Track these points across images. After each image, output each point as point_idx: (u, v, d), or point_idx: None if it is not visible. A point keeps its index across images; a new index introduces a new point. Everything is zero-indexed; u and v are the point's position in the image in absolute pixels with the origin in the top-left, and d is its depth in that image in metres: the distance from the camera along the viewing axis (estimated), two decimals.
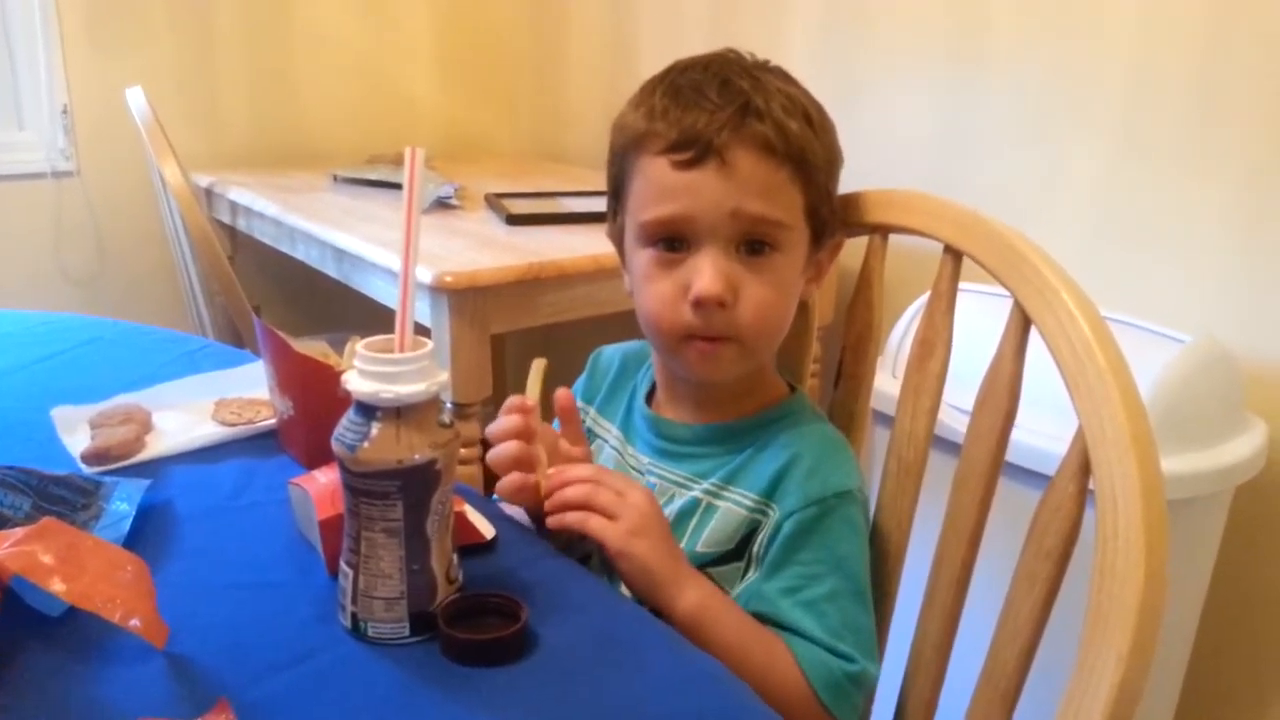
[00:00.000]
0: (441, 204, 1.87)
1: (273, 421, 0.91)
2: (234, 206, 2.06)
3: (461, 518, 0.71)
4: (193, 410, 0.95)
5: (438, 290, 1.42)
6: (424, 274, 1.41)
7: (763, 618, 0.75)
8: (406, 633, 0.62)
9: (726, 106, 0.75)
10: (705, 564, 0.79)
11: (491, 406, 1.00)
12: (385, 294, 1.61)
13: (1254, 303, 1.35)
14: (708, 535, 0.80)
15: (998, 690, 0.75)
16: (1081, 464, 0.70)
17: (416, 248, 0.61)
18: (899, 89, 1.72)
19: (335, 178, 2.09)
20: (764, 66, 0.80)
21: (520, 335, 2.52)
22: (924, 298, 1.45)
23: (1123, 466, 0.66)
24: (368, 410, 0.60)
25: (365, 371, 0.60)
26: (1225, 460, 1.23)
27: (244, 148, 2.35)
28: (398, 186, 1.97)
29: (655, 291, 0.78)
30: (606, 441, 0.91)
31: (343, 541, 0.63)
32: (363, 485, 0.60)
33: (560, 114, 2.55)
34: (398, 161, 2.29)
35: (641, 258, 0.79)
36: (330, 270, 1.74)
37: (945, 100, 1.67)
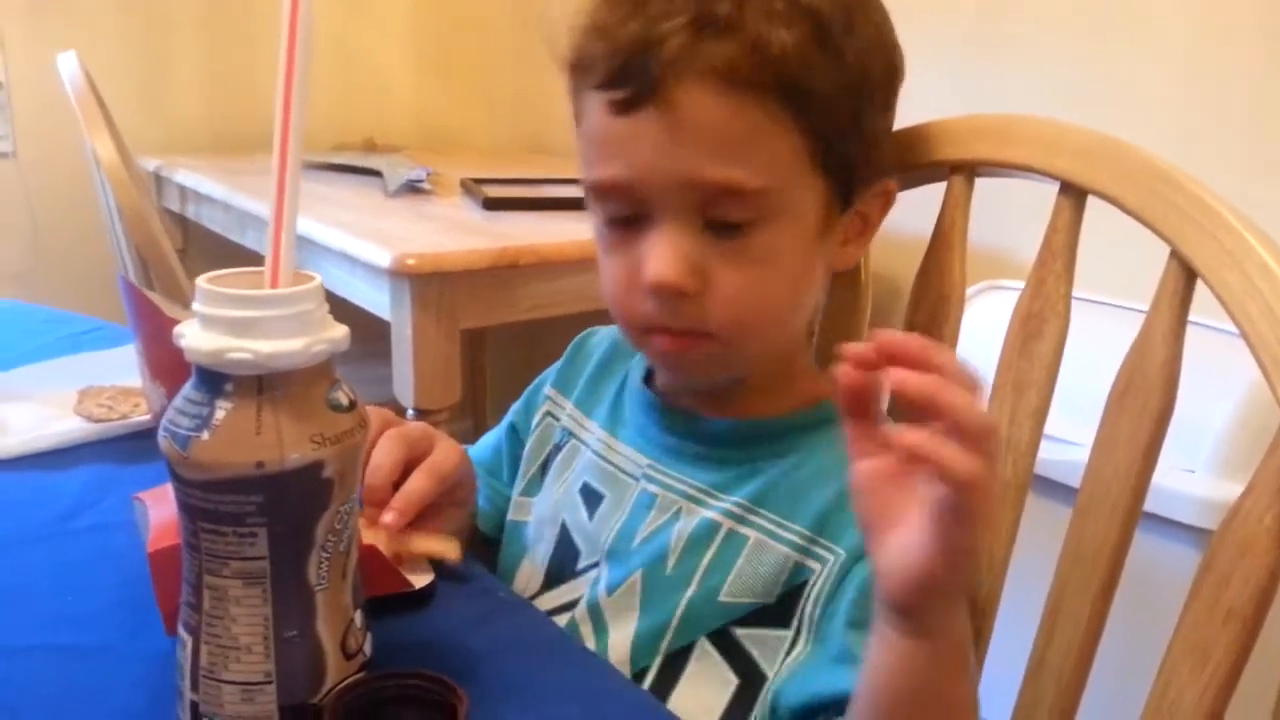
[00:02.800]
0: (412, 188, 1.66)
1: (149, 417, 0.68)
2: (183, 192, 1.86)
3: (373, 554, 0.48)
4: (52, 401, 0.73)
5: (398, 276, 1.21)
6: (382, 257, 1.21)
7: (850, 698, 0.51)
8: None
9: (677, 14, 0.52)
10: (731, 622, 0.56)
11: (468, 422, 0.78)
12: (342, 284, 1.39)
13: None
14: (735, 579, 0.57)
15: None
16: None
17: (301, 124, 0.39)
18: (919, 71, 1.54)
19: None
20: None
21: (501, 334, 2.31)
22: (976, 287, 1.27)
23: None
24: (212, 381, 0.38)
25: (209, 319, 0.38)
26: None
27: (200, 133, 2.17)
28: (364, 171, 1.79)
29: (610, 270, 0.58)
30: (585, 444, 0.68)
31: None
32: (204, 502, 0.38)
33: (542, 106, 2.36)
34: (367, 149, 2.09)
35: (596, 224, 0.59)
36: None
37: (966, 84, 1.50)
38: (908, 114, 0.65)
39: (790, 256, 0.57)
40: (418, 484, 0.57)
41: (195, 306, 0.38)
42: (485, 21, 2.42)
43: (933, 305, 0.67)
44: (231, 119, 2.19)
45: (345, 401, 0.40)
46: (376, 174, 1.73)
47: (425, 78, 2.41)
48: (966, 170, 0.65)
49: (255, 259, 1.42)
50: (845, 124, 0.56)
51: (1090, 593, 0.57)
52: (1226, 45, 1.22)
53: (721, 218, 0.54)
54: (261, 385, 0.37)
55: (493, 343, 2.34)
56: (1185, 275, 0.53)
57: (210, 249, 1.96)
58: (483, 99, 2.48)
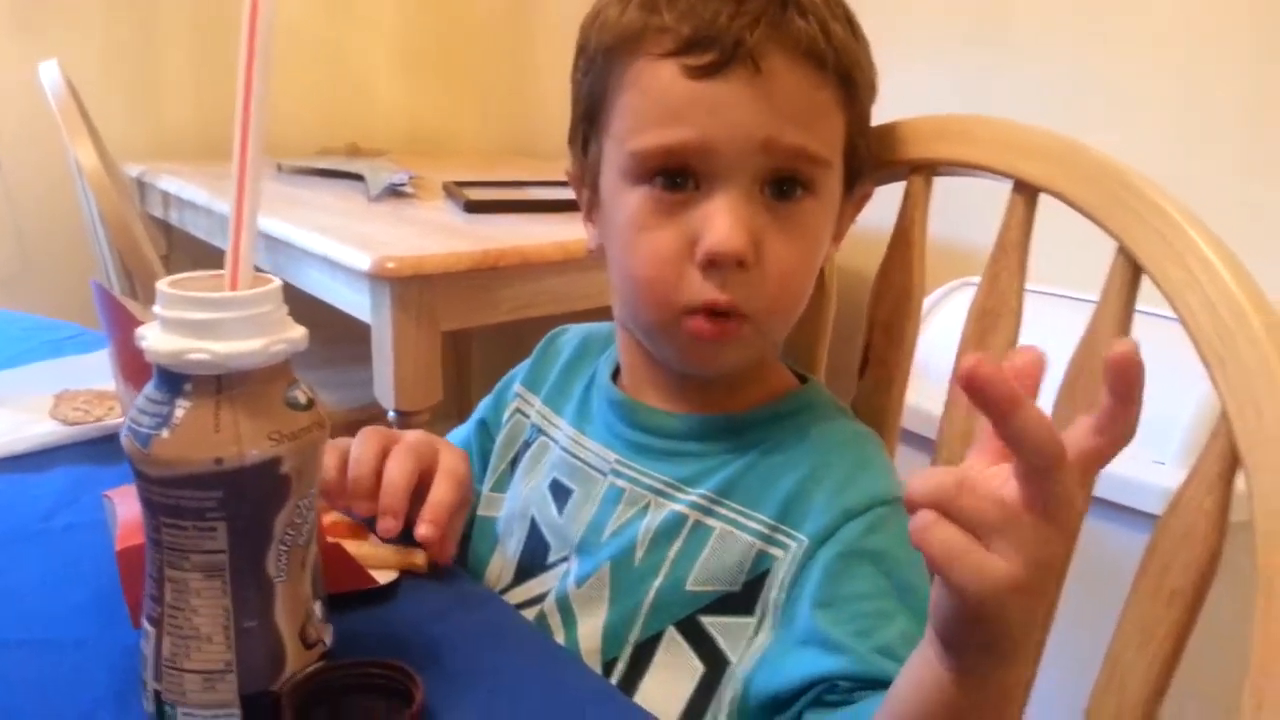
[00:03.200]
0: (394, 191, 1.67)
1: (123, 420, 0.69)
2: (166, 198, 1.86)
3: (337, 552, 0.49)
4: (28, 405, 0.73)
5: (378, 279, 1.22)
6: (362, 260, 1.21)
7: (824, 680, 0.52)
8: None
9: None
10: (699, 610, 0.58)
11: (453, 423, 0.78)
12: (323, 287, 1.39)
13: None
14: (700, 569, 0.58)
15: None
16: (1224, 469, 0.50)
17: (262, 127, 0.40)
18: (918, 71, 1.54)
19: (280, 167, 1.89)
20: None
21: (487, 336, 2.32)
22: (938, 292, 1.28)
23: None
24: (172, 382, 0.39)
25: (170, 322, 0.39)
26: None
27: (186, 139, 2.16)
28: (348, 176, 1.80)
29: (650, 246, 0.57)
30: (554, 441, 0.69)
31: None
32: (165, 498, 0.39)
33: (533, 108, 2.36)
34: (350, 153, 2.10)
35: (630, 200, 0.58)
36: (264, 262, 1.53)
37: (967, 85, 1.50)
38: (908, 113, 0.67)
39: (822, 238, 0.60)
40: (443, 493, 0.58)
41: (156, 309, 0.39)
42: (472, 25, 2.42)
43: (894, 301, 0.69)
44: (217, 125, 2.18)
45: (303, 400, 0.41)
46: (359, 178, 1.74)
47: (411, 81, 2.40)
48: (926, 169, 0.66)
49: None
50: (865, 119, 0.62)
51: None
52: (1222, 44, 1.23)
53: (788, 178, 0.57)
54: (220, 385, 0.39)
55: (478, 343, 2.35)
56: (1131, 269, 0.55)
57: (194, 254, 1.96)
58: (468, 102, 2.47)
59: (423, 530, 0.56)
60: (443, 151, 2.38)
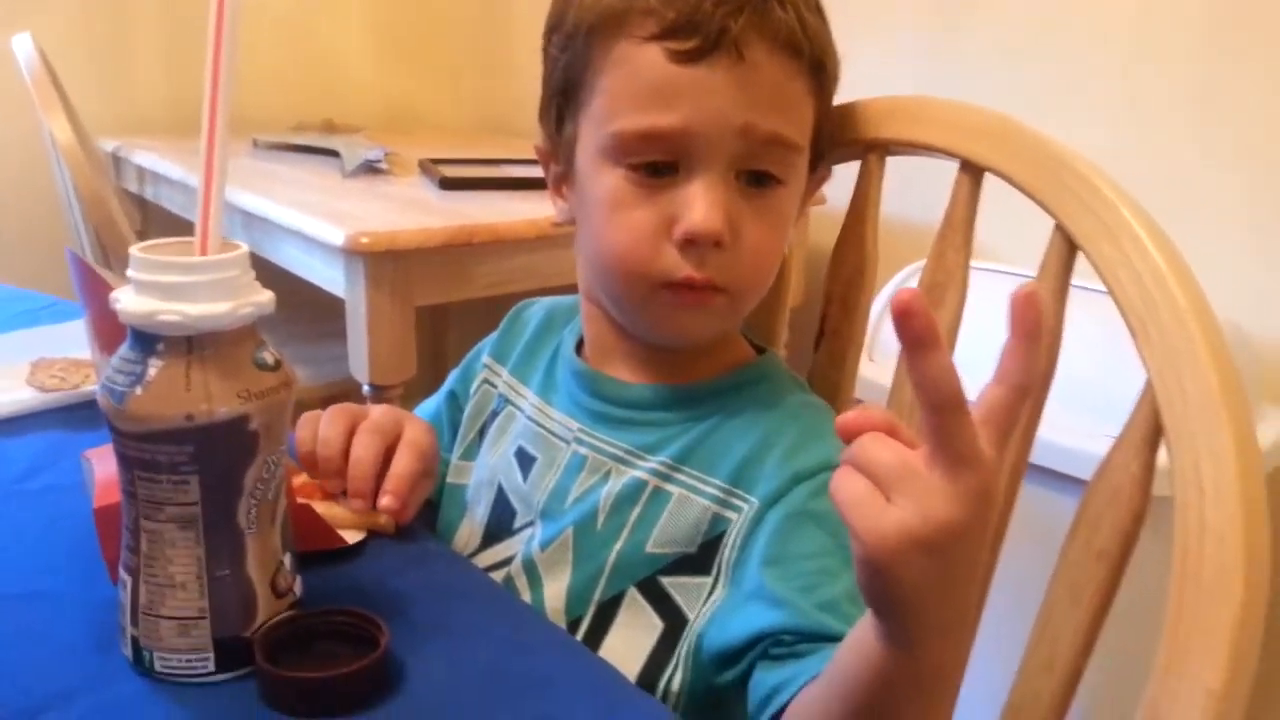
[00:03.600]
0: (370, 168, 1.67)
1: (98, 387, 0.71)
2: (141, 173, 1.86)
3: (307, 513, 0.52)
4: (4, 373, 0.75)
5: (352, 254, 1.24)
6: (336, 236, 1.23)
7: (769, 634, 0.54)
8: (210, 667, 0.43)
9: None
10: (658, 571, 0.60)
11: (430, 396, 0.80)
12: (298, 263, 1.41)
13: (1273, 287, 1.21)
14: (660, 532, 0.61)
15: None
16: (1149, 435, 0.53)
17: (229, 97, 0.42)
18: (876, 53, 1.57)
19: (255, 143, 1.89)
20: None
21: (464, 312, 2.32)
22: (910, 268, 1.31)
23: (1211, 441, 0.49)
24: (145, 342, 0.41)
25: (142, 285, 0.41)
26: None
27: (160, 115, 2.15)
28: (323, 152, 1.80)
29: (628, 224, 0.59)
30: (521, 410, 0.71)
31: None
32: (139, 453, 0.41)
33: (508, 85, 2.36)
34: (326, 129, 2.10)
35: (608, 180, 0.60)
36: (239, 238, 1.52)
37: (927, 67, 1.53)
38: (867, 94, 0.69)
39: (789, 218, 0.63)
40: (405, 465, 0.60)
41: (129, 272, 0.41)
42: (445, 2, 2.42)
43: (849, 275, 0.71)
44: (189, 100, 2.15)
45: (270, 361, 0.43)
46: (334, 154, 1.74)
47: (387, 58, 2.39)
48: (880, 149, 0.69)
49: None
50: (830, 105, 0.64)
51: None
52: (1170, 29, 1.26)
53: (764, 166, 0.59)
54: (191, 345, 0.41)
55: (455, 319, 2.36)
56: (1067, 246, 0.57)
57: (169, 229, 1.95)
58: (445, 79, 2.47)
59: (384, 501, 0.58)
60: (418, 128, 2.38)
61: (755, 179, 0.59)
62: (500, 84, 2.38)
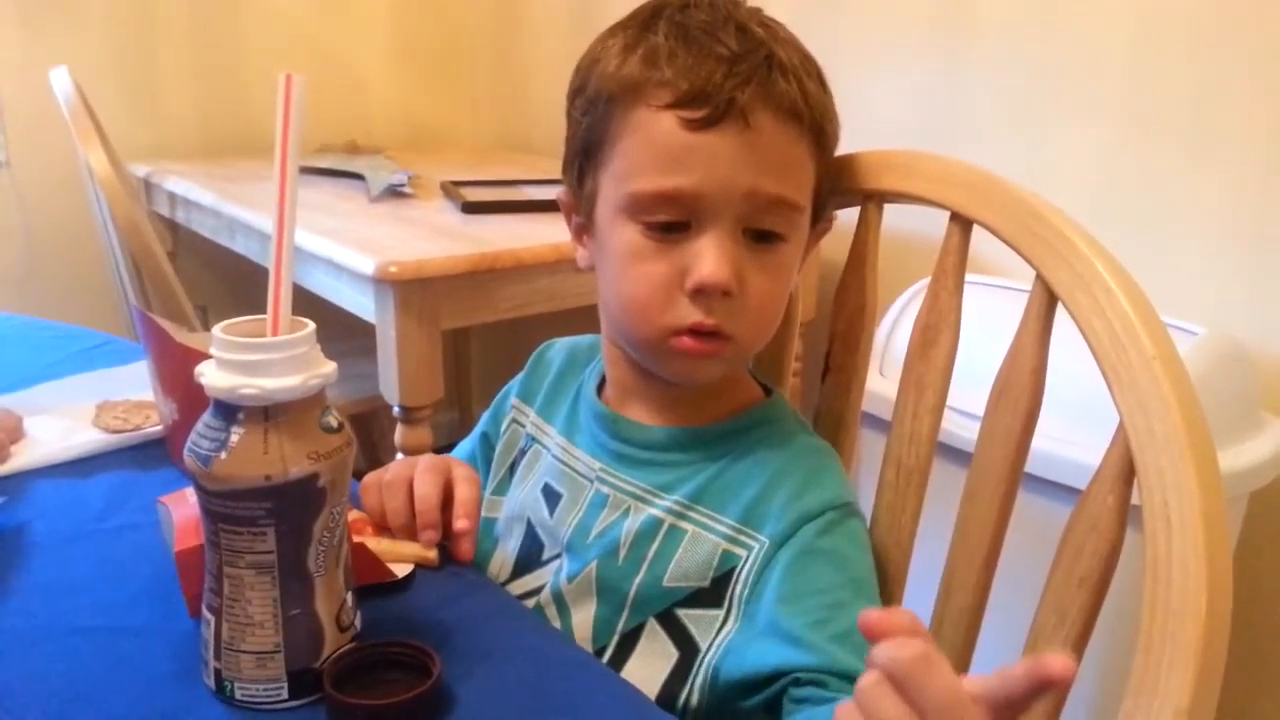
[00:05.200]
0: (394, 192, 1.74)
1: (161, 428, 0.77)
2: (172, 198, 1.92)
3: (362, 550, 0.58)
4: (72, 415, 0.81)
5: (382, 282, 1.30)
6: (366, 265, 1.29)
7: (786, 671, 0.59)
8: (284, 695, 0.49)
9: (748, 57, 0.62)
10: (674, 604, 0.66)
11: (454, 414, 0.86)
12: (329, 289, 1.47)
13: (1267, 294, 1.24)
14: (675, 567, 0.66)
15: None
16: (1123, 471, 0.58)
17: (294, 200, 0.48)
18: (878, 66, 1.61)
19: None
20: (763, 12, 0.67)
21: (485, 333, 2.39)
22: (916, 286, 1.35)
23: (1176, 474, 0.54)
24: (227, 411, 0.47)
25: (224, 362, 0.47)
26: (1241, 464, 1.13)
27: (188, 138, 2.21)
28: (349, 175, 1.87)
29: (643, 275, 0.65)
30: (547, 449, 0.77)
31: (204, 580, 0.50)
32: (223, 508, 0.47)
33: (525, 104, 2.42)
34: (350, 150, 2.16)
35: (625, 234, 0.65)
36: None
37: (927, 79, 1.56)
38: (868, 114, 0.74)
39: (792, 270, 0.69)
40: (466, 491, 0.66)
41: (212, 350, 0.47)
42: (467, 19, 2.46)
43: (850, 315, 0.76)
44: (220, 122, 2.23)
45: (335, 424, 0.49)
46: (360, 177, 1.81)
47: (407, 76, 2.45)
48: (877, 198, 0.74)
49: (244, 262, 1.50)
50: (831, 162, 0.70)
51: (976, 565, 0.67)
52: (1166, 38, 1.30)
53: (763, 227, 0.64)
54: (267, 414, 0.46)
55: (477, 339, 2.42)
56: (1047, 296, 0.63)
57: (200, 252, 2.02)
58: (465, 97, 2.52)
59: (460, 525, 0.64)
60: (438, 146, 2.43)
61: (760, 236, 0.64)
62: (518, 102, 2.43)
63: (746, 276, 0.64)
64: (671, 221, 0.64)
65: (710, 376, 0.69)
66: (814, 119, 0.64)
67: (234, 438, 0.46)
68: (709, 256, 0.62)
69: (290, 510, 0.47)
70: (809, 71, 0.65)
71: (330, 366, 0.49)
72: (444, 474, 0.67)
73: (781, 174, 0.64)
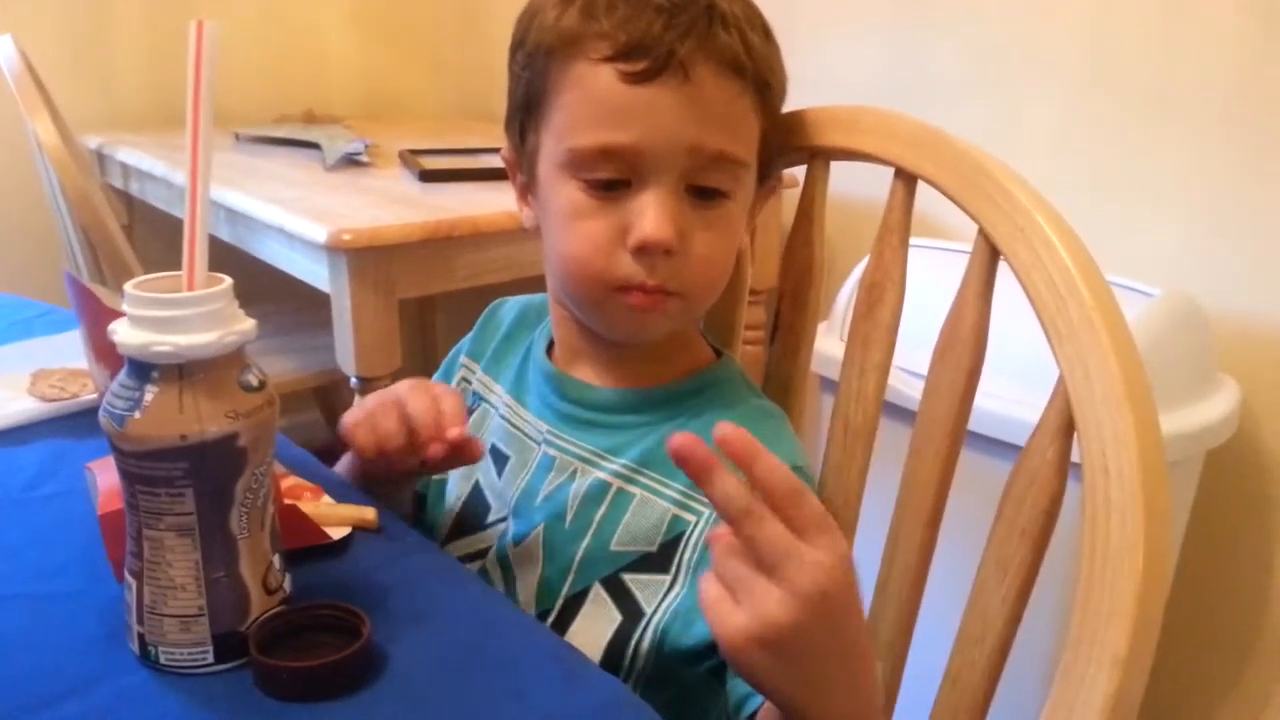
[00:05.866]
0: (351, 161, 1.71)
1: (96, 396, 0.75)
2: (125, 170, 1.89)
3: (294, 512, 0.56)
4: (6, 383, 0.79)
5: (335, 251, 1.28)
6: (319, 233, 1.27)
7: None
8: (210, 659, 0.48)
9: (688, 7, 0.61)
10: (621, 568, 0.65)
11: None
12: (282, 258, 1.45)
13: (1226, 256, 1.26)
14: (623, 531, 0.66)
15: (963, 697, 0.63)
16: (1063, 424, 0.58)
17: (209, 151, 0.46)
18: (839, 25, 1.60)
19: (237, 136, 1.92)
20: None
21: (451, 302, 2.37)
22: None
23: (1115, 426, 0.54)
24: (141, 370, 0.45)
25: (137, 319, 0.45)
26: (1196, 423, 1.14)
27: (142, 109, 2.17)
28: (305, 145, 1.84)
29: (585, 232, 0.64)
30: (494, 408, 0.76)
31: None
32: (139, 469, 0.46)
33: (486, 72, 2.38)
34: (307, 119, 2.12)
35: (566, 191, 0.64)
36: (223, 234, 1.58)
37: (889, 39, 1.55)
38: (829, 72, 0.73)
39: (738, 227, 0.67)
40: (453, 405, 0.64)
41: (124, 307, 0.45)
42: None
43: (799, 274, 0.76)
44: (170, 94, 2.18)
45: (255, 382, 0.48)
46: (316, 147, 1.78)
47: (367, 45, 2.40)
48: (823, 156, 0.73)
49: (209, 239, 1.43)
50: (777, 118, 0.68)
51: (921, 520, 0.66)
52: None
53: (707, 184, 0.63)
54: (182, 372, 0.45)
55: (442, 311, 2.40)
56: (989, 250, 0.62)
57: (155, 224, 1.98)
58: (426, 65, 2.49)
59: (453, 433, 0.61)
60: (398, 115, 2.40)
61: (703, 193, 0.63)
62: (480, 70, 2.40)
63: (690, 234, 0.63)
64: (612, 179, 0.63)
65: (656, 333, 0.68)
66: (758, 72, 0.63)
67: (148, 397, 0.45)
68: (650, 214, 0.61)
69: (209, 471, 0.46)
70: (752, 23, 0.64)
71: (249, 324, 0.47)
72: (429, 390, 0.65)
73: (724, 129, 0.63)
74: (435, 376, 0.84)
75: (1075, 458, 0.57)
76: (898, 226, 0.68)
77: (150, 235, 2.04)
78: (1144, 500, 0.53)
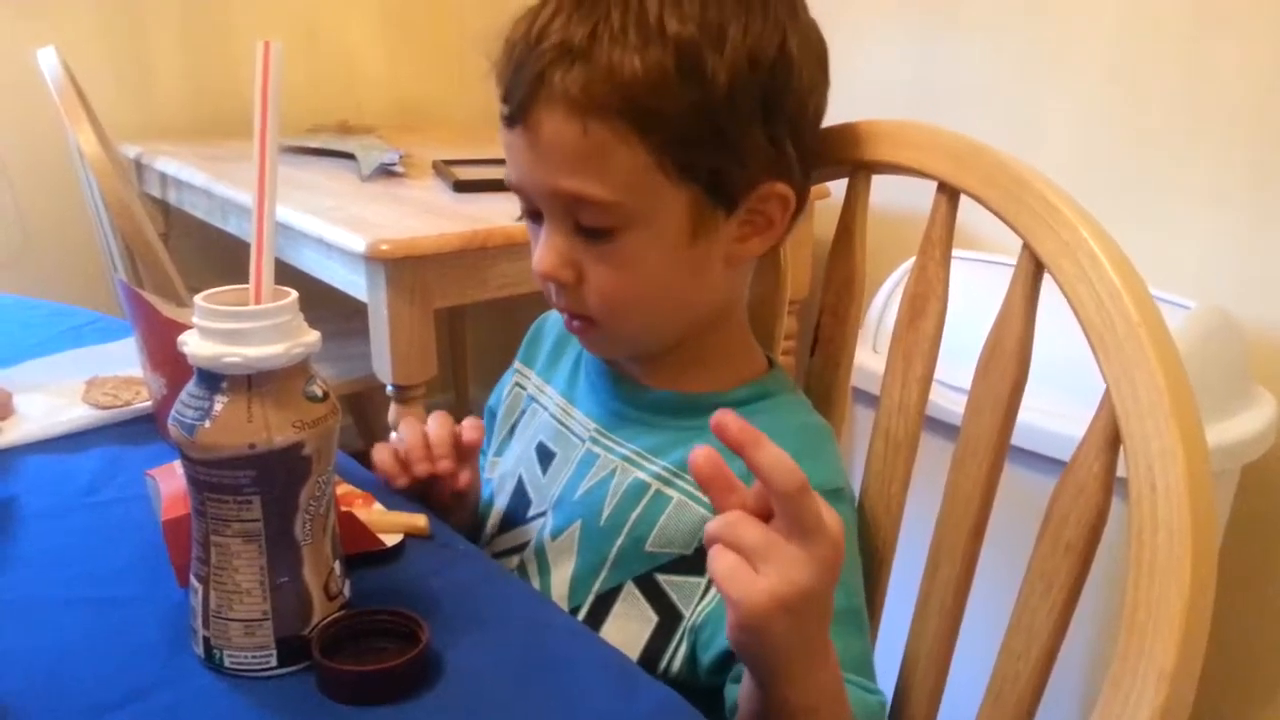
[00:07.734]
0: (386, 171, 1.73)
1: (150, 404, 0.77)
2: (164, 179, 1.91)
3: (350, 519, 0.58)
4: (61, 391, 0.81)
5: (373, 261, 1.30)
6: (357, 243, 1.29)
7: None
8: (273, 663, 0.49)
9: (547, 40, 0.59)
10: (654, 569, 0.66)
11: (450, 395, 0.87)
12: (322, 268, 1.47)
13: (1260, 267, 1.25)
14: (658, 533, 0.66)
15: (1007, 712, 0.63)
16: (1109, 438, 0.58)
17: (275, 167, 0.47)
18: (866, 29, 1.61)
19: None
20: None
21: (480, 314, 2.39)
22: (909, 262, 1.35)
23: (1161, 441, 0.54)
24: (211, 380, 0.47)
25: (207, 330, 0.47)
26: (1232, 436, 1.13)
27: (178, 118, 2.20)
28: (340, 155, 1.86)
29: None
30: (545, 408, 0.78)
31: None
32: (208, 477, 0.47)
33: None
34: (342, 130, 2.15)
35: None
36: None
37: (916, 42, 1.56)
38: (856, 75, 0.74)
39: (654, 257, 0.63)
40: (470, 432, 0.70)
41: (195, 319, 0.47)
42: None
43: (839, 286, 0.76)
44: (208, 103, 2.22)
45: (320, 393, 0.49)
46: (351, 157, 1.80)
47: (398, 55, 2.43)
48: (866, 169, 0.74)
49: (236, 243, 1.49)
50: (706, 138, 0.60)
51: (964, 533, 0.67)
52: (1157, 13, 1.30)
53: (582, 223, 0.62)
54: (250, 382, 0.46)
55: (472, 320, 2.42)
56: (1034, 264, 0.62)
57: (192, 233, 2.01)
58: (453, 74, 2.51)
59: (468, 435, 0.69)
60: (428, 124, 2.42)
61: (588, 232, 0.62)
62: None
63: (584, 268, 0.64)
64: (532, 211, 0.66)
65: (605, 353, 0.72)
66: (624, 99, 0.58)
67: (218, 406, 0.46)
68: (539, 248, 0.65)
69: (275, 478, 0.47)
70: (647, 41, 0.57)
71: (314, 336, 0.48)
72: (450, 420, 0.70)
73: (575, 171, 0.60)
74: (492, 395, 0.86)
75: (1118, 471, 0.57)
76: (940, 241, 0.69)
77: (188, 244, 2.07)
78: (1191, 516, 0.53)
